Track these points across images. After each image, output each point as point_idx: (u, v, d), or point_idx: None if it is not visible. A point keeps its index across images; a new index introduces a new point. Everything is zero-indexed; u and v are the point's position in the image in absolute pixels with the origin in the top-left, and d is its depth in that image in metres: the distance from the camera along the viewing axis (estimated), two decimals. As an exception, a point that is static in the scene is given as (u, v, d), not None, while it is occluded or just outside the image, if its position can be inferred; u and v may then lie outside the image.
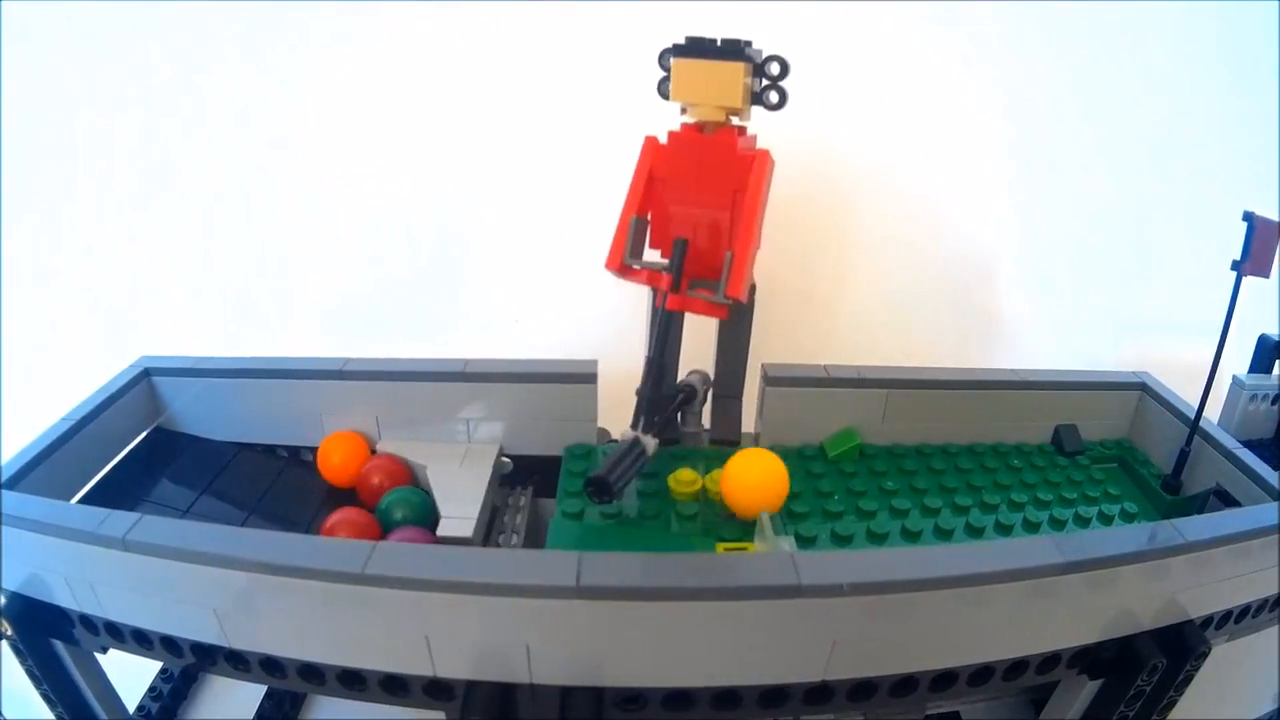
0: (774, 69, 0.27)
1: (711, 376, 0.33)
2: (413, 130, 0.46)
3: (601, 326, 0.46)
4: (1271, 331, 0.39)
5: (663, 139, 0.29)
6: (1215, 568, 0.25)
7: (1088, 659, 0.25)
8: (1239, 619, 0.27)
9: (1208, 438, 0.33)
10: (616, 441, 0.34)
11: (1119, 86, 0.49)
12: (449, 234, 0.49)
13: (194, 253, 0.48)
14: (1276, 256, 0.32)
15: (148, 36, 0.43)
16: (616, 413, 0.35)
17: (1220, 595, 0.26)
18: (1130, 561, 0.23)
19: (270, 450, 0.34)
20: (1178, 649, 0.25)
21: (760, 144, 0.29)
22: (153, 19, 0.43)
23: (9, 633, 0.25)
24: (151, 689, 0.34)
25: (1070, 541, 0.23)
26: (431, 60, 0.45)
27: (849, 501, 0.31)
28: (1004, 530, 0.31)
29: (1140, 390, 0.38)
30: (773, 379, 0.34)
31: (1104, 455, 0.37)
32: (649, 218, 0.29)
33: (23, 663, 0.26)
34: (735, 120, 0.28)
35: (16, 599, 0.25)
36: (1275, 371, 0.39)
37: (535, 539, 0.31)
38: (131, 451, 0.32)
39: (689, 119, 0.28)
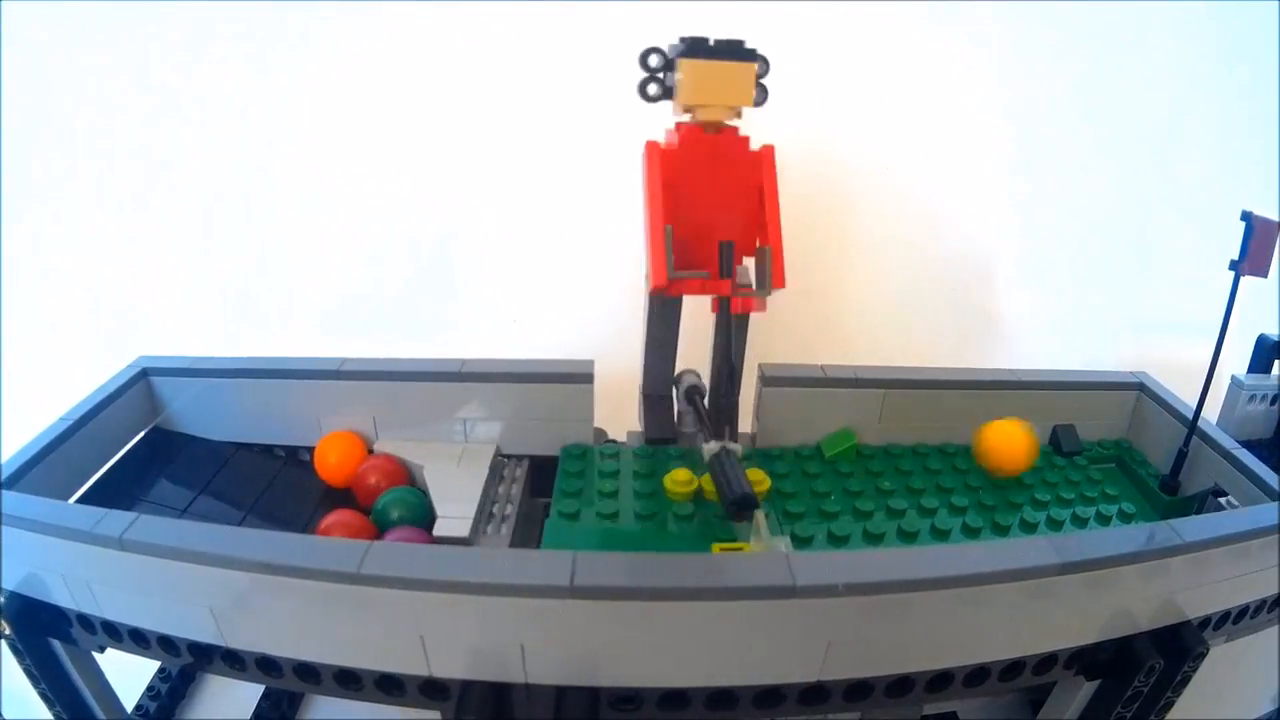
0: (759, 68, 0.27)
1: (705, 377, 0.33)
2: (411, 131, 0.46)
3: (599, 327, 0.46)
4: (1270, 331, 0.39)
5: (648, 140, 0.28)
6: (1213, 568, 0.25)
7: (1085, 660, 0.25)
8: (1237, 620, 0.27)
9: (1206, 438, 0.33)
10: (611, 442, 0.34)
11: (1118, 86, 0.49)
12: (447, 234, 0.49)
13: (192, 253, 0.48)
14: (1275, 256, 0.32)
15: (147, 36, 0.43)
16: (613, 413, 0.35)
17: (1218, 596, 0.26)
18: (1127, 562, 0.23)
19: (268, 450, 0.34)
20: (1175, 650, 0.25)
21: (759, 142, 0.29)
22: (152, 19, 0.43)
23: (7, 632, 0.25)
24: (150, 688, 0.34)
25: (1067, 542, 0.23)
26: (429, 61, 0.45)
27: (845, 501, 0.31)
28: (1001, 530, 0.31)
29: (1138, 390, 0.38)
30: (769, 379, 0.34)
31: (1102, 455, 0.37)
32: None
33: (21, 662, 0.26)
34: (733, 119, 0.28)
35: (14, 598, 0.25)
36: (1274, 371, 0.39)
37: (527, 528, 0.31)
38: (130, 451, 0.32)
39: (688, 119, 0.28)
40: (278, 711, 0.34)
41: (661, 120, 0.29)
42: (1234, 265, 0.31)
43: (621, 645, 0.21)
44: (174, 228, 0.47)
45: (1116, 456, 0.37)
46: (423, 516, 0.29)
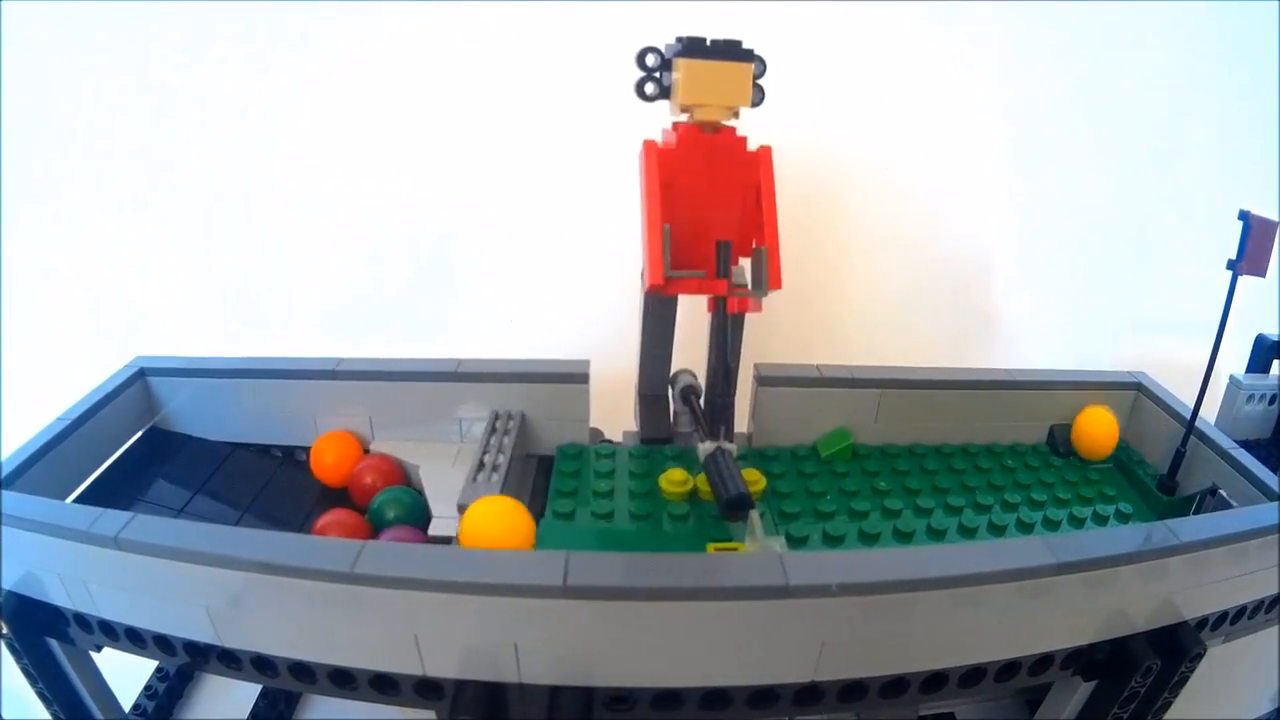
0: (756, 68, 0.27)
1: (701, 377, 0.33)
2: (409, 132, 0.46)
3: (596, 327, 0.47)
4: (1269, 331, 0.39)
5: (646, 139, 0.28)
6: (1211, 569, 0.25)
7: (1081, 660, 0.25)
8: (1235, 620, 0.27)
9: (1204, 438, 0.33)
10: (607, 442, 0.34)
11: (1116, 85, 0.49)
12: (445, 235, 0.49)
13: (191, 253, 0.48)
14: (1273, 256, 0.32)
15: (147, 36, 0.43)
16: (609, 413, 0.35)
17: (1216, 596, 0.26)
18: (1124, 562, 0.23)
19: (265, 450, 0.34)
20: (1172, 650, 0.25)
21: (756, 142, 0.29)
22: (152, 19, 0.43)
23: (4, 631, 0.25)
24: (147, 688, 0.34)
25: (1062, 542, 0.23)
26: (427, 62, 0.45)
27: (841, 502, 0.31)
28: (997, 531, 0.30)
29: (1136, 390, 0.38)
30: (765, 379, 0.34)
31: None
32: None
33: (18, 661, 0.26)
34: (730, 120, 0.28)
35: (11, 597, 0.25)
36: (1273, 371, 0.39)
37: (519, 477, 0.30)
38: (127, 451, 0.32)
39: (684, 119, 0.28)
40: (274, 711, 0.34)
41: (659, 120, 0.29)
42: (1232, 265, 0.31)
43: (615, 645, 0.21)
44: (173, 228, 0.47)
45: (1114, 456, 0.37)
46: (418, 516, 0.29)
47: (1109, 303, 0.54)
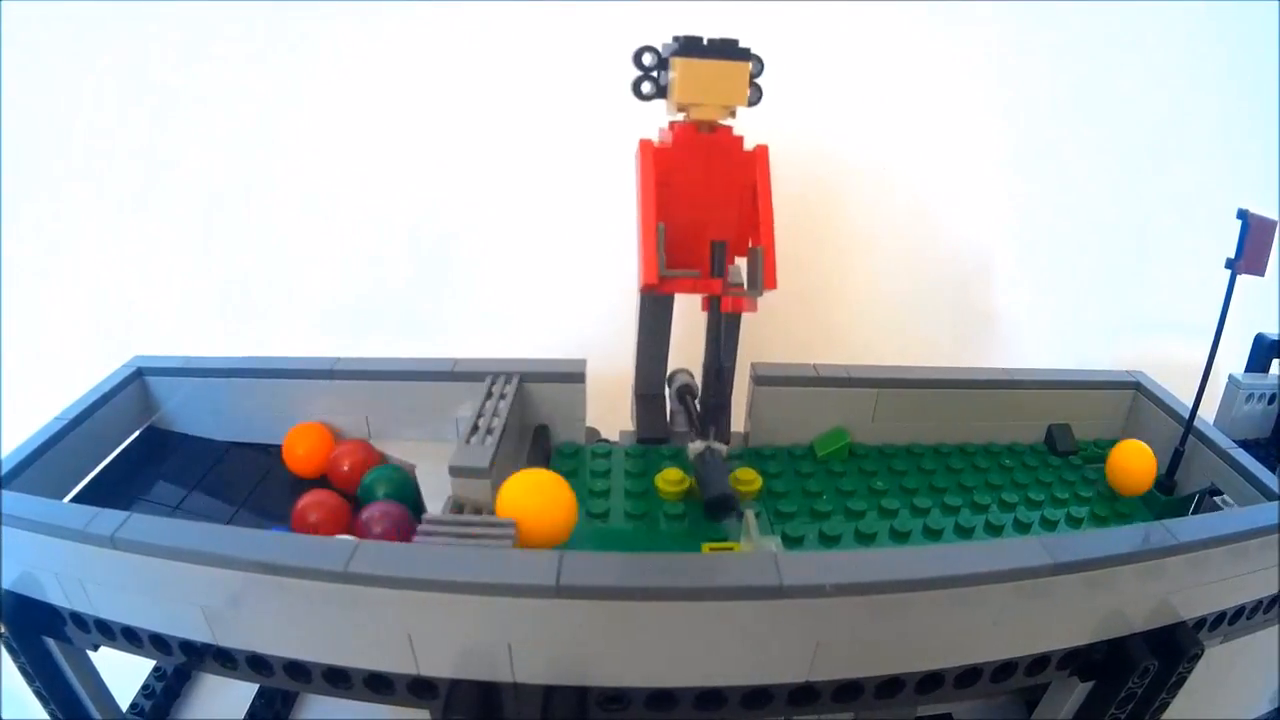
0: (754, 67, 0.27)
1: (698, 376, 0.33)
2: (407, 132, 0.46)
3: (596, 326, 0.47)
4: (1269, 330, 0.39)
5: (641, 138, 0.28)
6: (1208, 569, 0.25)
7: (1078, 660, 0.25)
8: (1233, 620, 0.27)
9: (1202, 438, 0.33)
10: (604, 442, 0.34)
11: (1115, 85, 0.49)
12: (443, 235, 0.49)
13: (189, 253, 0.48)
14: (1272, 255, 0.31)
15: (145, 36, 0.43)
16: (606, 412, 0.35)
17: (1214, 597, 0.26)
18: (1121, 562, 0.23)
19: (264, 449, 0.34)
20: (1170, 651, 0.25)
21: (753, 141, 0.29)
22: (151, 19, 0.43)
23: (2, 630, 0.25)
24: (145, 687, 0.34)
25: (1058, 542, 0.23)
26: (425, 62, 0.45)
27: (837, 501, 0.31)
28: (994, 530, 0.30)
29: (1135, 390, 0.37)
30: (762, 378, 0.33)
31: (1097, 455, 0.36)
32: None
33: (15, 660, 0.26)
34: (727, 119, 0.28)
35: (9, 596, 0.25)
36: (1273, 371, 0.38)
37: (513, 443, 0.30)
38: (124, 450, 0.32)
39: (681, 118, 0.28)
40: (271, 710, 0.34)
41: (656, 119, 0.29)
42: (1230, 264, 0.31)
43: (609, 645, 0.21)
44: (171, 228, 0.47)
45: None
46: (408, 493, 0.29)
47: (1108, 302, 0.54)
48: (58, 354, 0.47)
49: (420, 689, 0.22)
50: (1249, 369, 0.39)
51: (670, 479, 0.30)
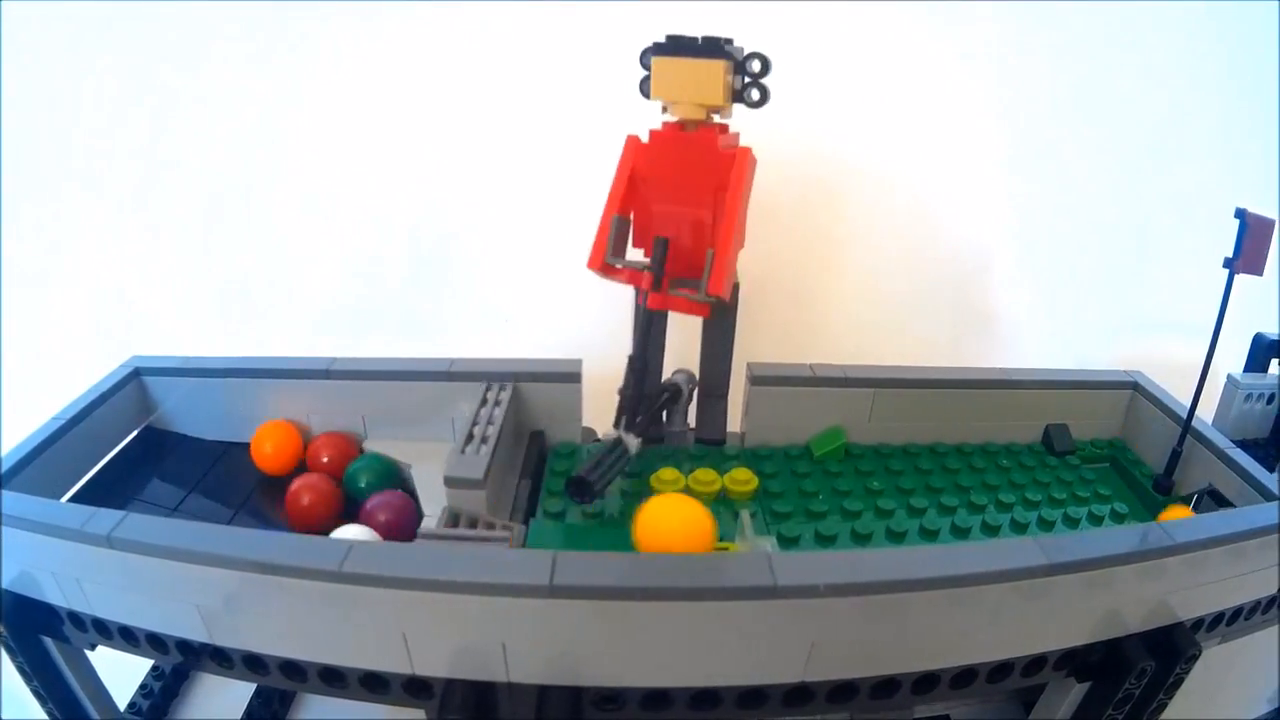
0: (755, 66, 0.27)
1: (697, 376, 0.33)
2: (404, 131, 0.46)
3: (594, 326, 0.47)
4: (1268, 330, 0.39)
5: (645, 138, 0.29)
6: (1206, 569, 0.25)
7: (1075, 661, 0.25)
8: (1231, 621, 0.27)
9: (1200, 437, 0.33)
10: (601, 441, 0.34)
11: (1114, 84, 0.49)
12: (440, 234, 0.49)
13: (187, 253, 0.48)
14: (1270, 254, 0.31)
15: (143, 36, 0.44)
16: (603, 412, 0.35)
17: (1212, 597, 0.26)
18: (1117, 563, 0.23)
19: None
20: (1167, 651, 0.25)
21: (749, 141, 0.29)
22: (149, 20, 0.43)
23: (0, 629, 0.25)
24: (143, 686, 0.34)
25: (1055, 543, 0.23)
26: (423, 61, 0.45)
27: (833, 501, 0.31)
28: (991, 531, 0.30)
29: (1133, 389, 0.37)
30: (758, 378, 0.33)
31: (1095, 455, 0.36)
32: (631, 217, 0.29)
33: (13, 659, 0.26)
34: (717, 118, 0.28)
35: (6, 596, 0.25)
36: (1272, 370, 0.38)
37: (509, 451, 0.30)
38: (122, 450, 0.32)
39: (670, 117, 0.28)
40: (269, 710, 0.34)
41: (656, 120, 0.29)
42: (1228, 263, 0.30)
43: (603, 645, 0.21)
44: (169, 228, 0.48)
45: (1110, 456, 0.37)
46: (395, 478, 0.29)
47: (1106, 302, 0.53)
48: (56, 354, 0.47)
49: (415, 688, 0.22)
50: (1247, 369, 0.39)
51: (665, 479, 0.30)
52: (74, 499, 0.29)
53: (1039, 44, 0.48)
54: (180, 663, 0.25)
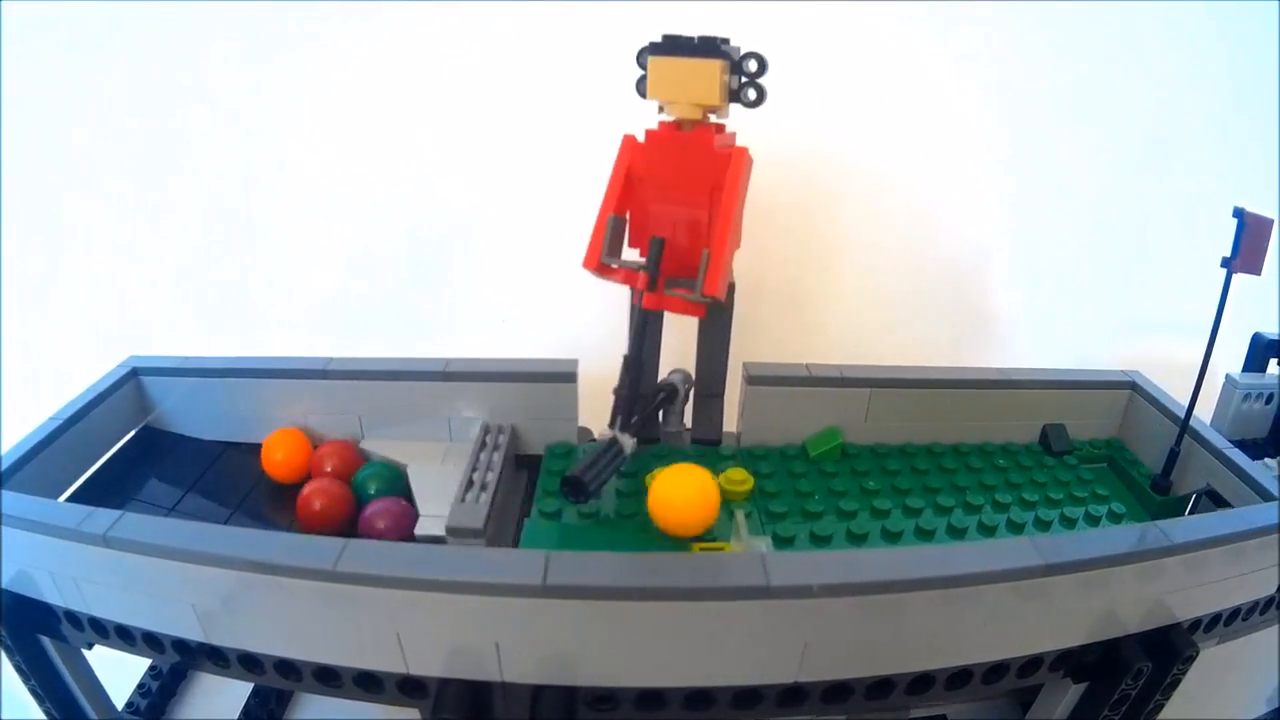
0: (751, 66, 0.27)
1: (693, 375, 0.33)
2: (401, 132, 0.46)
3: (592, 326, 0.47)
4: (1267, 330, 0.39)
5: (641, 138, 0.29)
6: (1203, 570, 0.25)
7: (1071, 662, 0.25)
8: (1228, 622, 0.27)
9: (1198, 437, 0.33)
10: (596, 441, 0.34)
11: (1111, 83, 0.49)
12: (437, 234, 0.49)
13: (185, 253, 0.48)
14: (1269, 253, 0.31)
15: (143, 36, 0.44)
16: (599, 412, 0.35)
17: (1209, 598, 0.26)
18: (1113, 564, 0.23)
19: (256, 450, 0.34)
20: (1164, 652, 0.25)
21: (745, 141, 0.29)
22: (147, 20, 0.43)
23: (-2, 629, 0.25)
24: (141, 686, 0.34)
25: (1050, 543, 0.23)
26: (420, 61, 0.45)
27: (829, 501, 0.31)
28: (987, 531, 0.30)
29: (1130, 389, 0.37)
30: (754, 378, 0.33)
31: (1093, 455, 0.36)
32: (627, 216, 0.29)
33: (10, 659, 0.26)
34: (713, 118, 0.28)
35: (4, 595, 0.25)
36: (1271, 370, 0.38)
37: (509, 496, 0.31)
38: (120, 450, 0.32)
39: (666, 117, 0.28)
40: (266, 710, 0.34)
41: (654, 120, 0.29)
42: (1226, 263, 0.30)
43: (596, 644, 0.21)
44: (167, 228, 0.48)
45: (1108, 456, 0.37)
46: (399, 487, 0.30)
47: (1104, 302, 0.53)
48: (53, 354, 0.47)
49: (410, 688, 0.22)
50: (1246, 368, 0.39)
51: (662, 479, 0.30)
52: (71, 499, 0.29)
53: (1037, 44, 0.48)
54: (177, 662, 0.25)
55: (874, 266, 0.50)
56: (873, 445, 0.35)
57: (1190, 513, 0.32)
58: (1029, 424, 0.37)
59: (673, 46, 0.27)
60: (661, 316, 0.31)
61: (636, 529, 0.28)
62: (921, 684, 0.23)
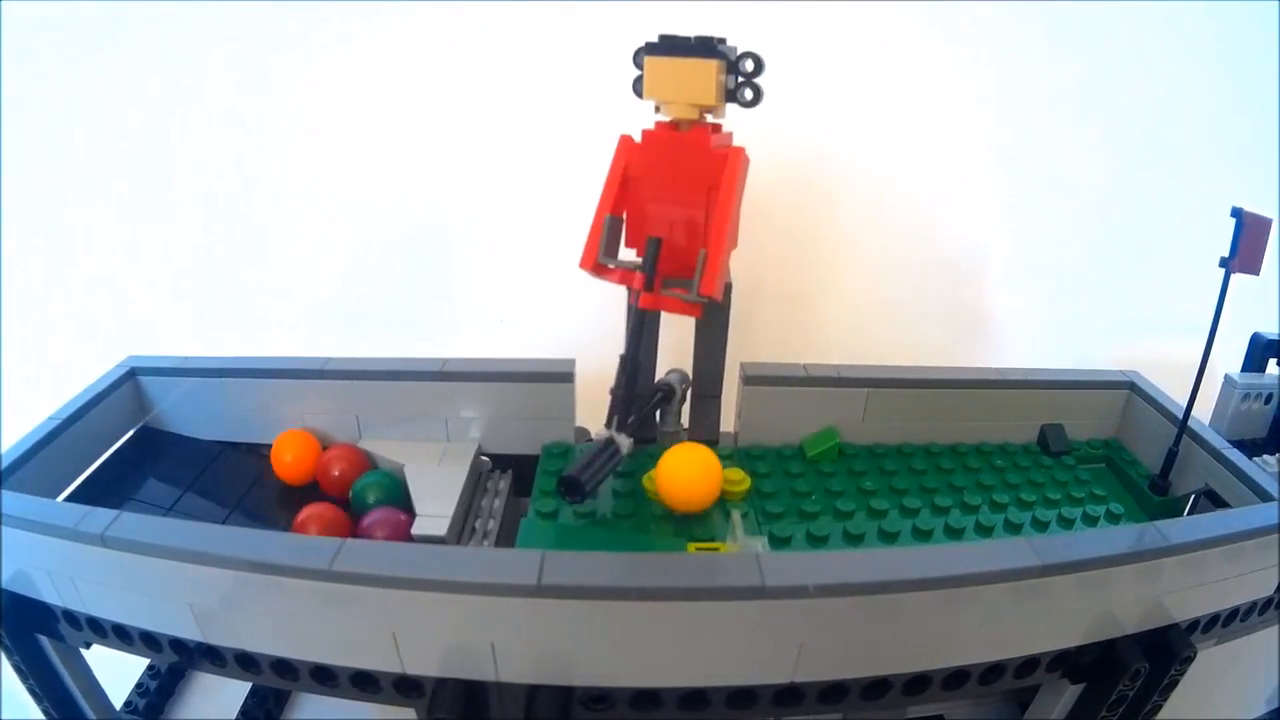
0: (748, 66, 0.27)
1: (690, 376, 0.33)
2: (398, 132, 0.47)
3: (589, 326, 0.47)
4: (1266, 330, 0.39)
5: (638, 138, 0.29)
6: (1202, 570, 0.25)
7: (1068, 662, 0.25)
8: (1227, 623, 0.27)
9: (1196, 438, 0.33)
10: (593, 440, 0.34)
11: (1110, 83, 0.49)
12: (435, 235, 0.49)
13: (184, 253, 0.48)
14: (1268, 253, 0.31)
15: (141, 37, 0.44)
16: (597, 412, 0.35)
17: (1207, 598, 0.26)
18: (1110, 564, 0.23)
19: (254, 449, 0.34)
20: (1162, 653, 0.25)
21: (742, 141, 0.29)
22: (147, 20, 0.43)
23: (-4, 628, 0.25)
24: (139, 685, 0.34)
25: (1047, 543, 0.23)
26: (418, 61, 0.45)
27: (826, 501, 0.31)
28: (984, 531, 0.30)
29: (1129, 389, 0.37)
30: (751, 378, 0.33)
31: (1091, 455, 0.36)
32: (624, 216, 0.29)
33: (9, 658, 0.26)
34: (710, 118, 0.28)
35: (2, 594, 0.25)
36: (1270, 370, 0.38)
37: (510, 539, 0.31)
38: (118, 450, 0.32)
39: (663, 117, 0.28)
40: (264, 709, 0.34)
41: (651, 120, 0.29)
42: (1224, 262, 0.30)
43: (591, 645, 0.21)
44: (166, 227, 0.48)
45: (1106, 456, 0.36)
46: (398, 497, 0.30)
47: (1103, 301, 0.53)
48: (52, 353, 0.47)
49: (406, 687, 0.22)
50: (1245, 368, 0.38)
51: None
52: (70, 498, 0.29)
53: (1035, 44, 0.47)
54: (174, 661, 0.25)
55: (872, 266, 0.50)
56: (870, 445, 0.35)
57: (1189, 513, 0.32)
58: (1027, 424, 0.36)
59: (669, 47, 0.27)
60: (658, 317, 0.31)
61: (633, 529, 0.28)
62: (918, 684, 0.23)
